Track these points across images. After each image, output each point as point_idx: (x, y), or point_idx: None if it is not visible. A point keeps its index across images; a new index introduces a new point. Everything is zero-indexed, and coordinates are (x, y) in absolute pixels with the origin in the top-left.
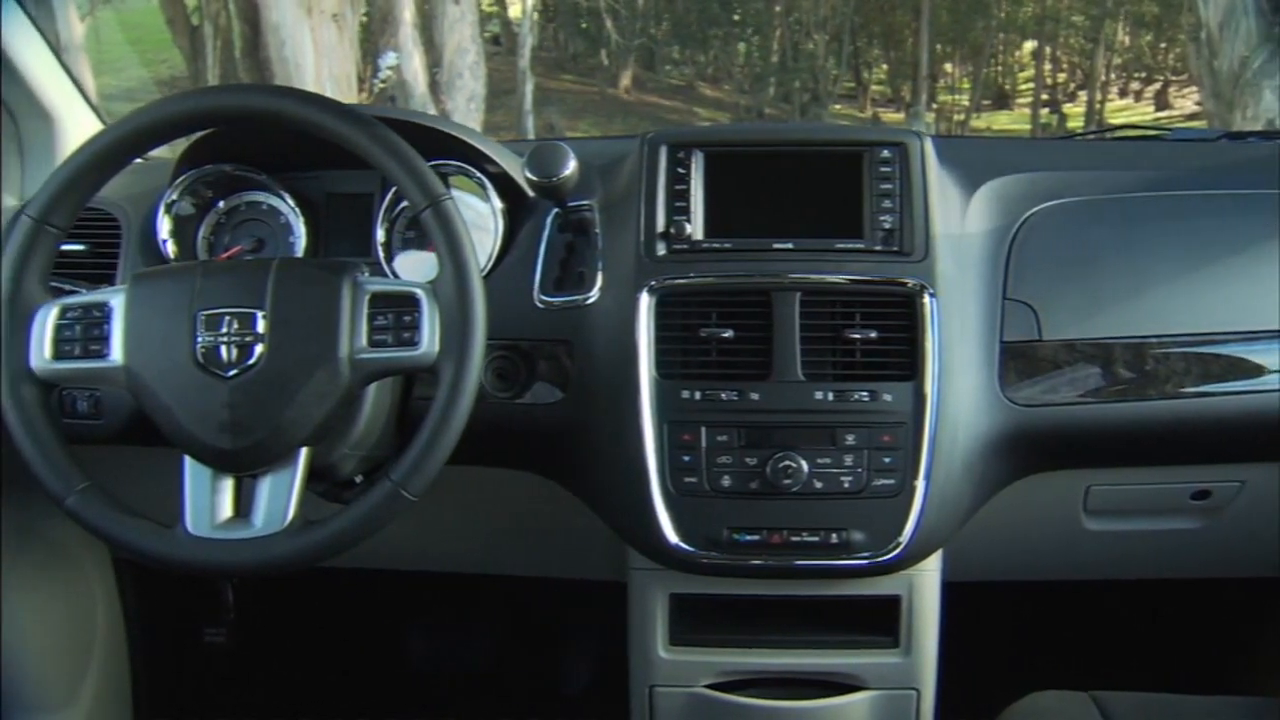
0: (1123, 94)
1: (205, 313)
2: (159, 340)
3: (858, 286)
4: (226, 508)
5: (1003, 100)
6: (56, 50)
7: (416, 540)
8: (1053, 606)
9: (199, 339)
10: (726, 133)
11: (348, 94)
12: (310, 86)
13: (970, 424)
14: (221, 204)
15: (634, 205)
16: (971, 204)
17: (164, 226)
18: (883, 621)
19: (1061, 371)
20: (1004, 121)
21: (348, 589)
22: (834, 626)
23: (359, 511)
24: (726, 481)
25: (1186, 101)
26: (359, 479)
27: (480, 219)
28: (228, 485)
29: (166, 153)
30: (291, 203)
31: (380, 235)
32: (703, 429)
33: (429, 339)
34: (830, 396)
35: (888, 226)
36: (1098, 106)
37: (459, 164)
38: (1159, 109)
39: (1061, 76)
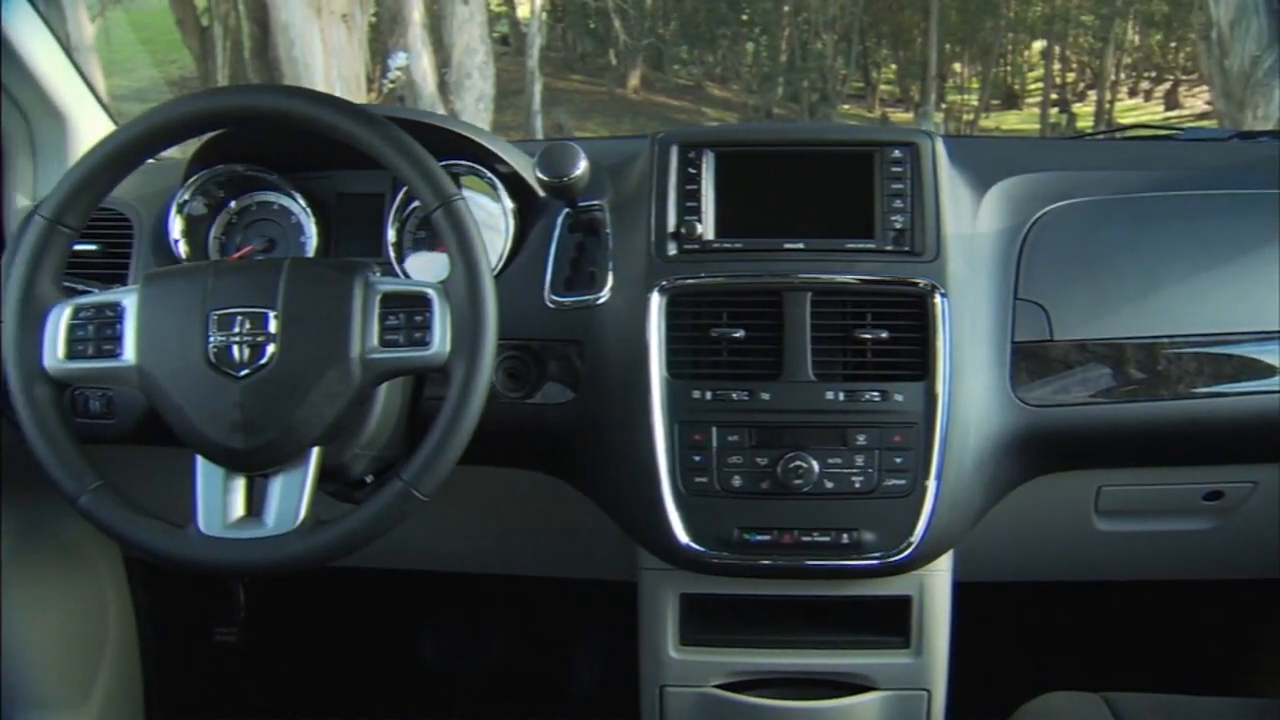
0: (1132, 93)
1: (217, 312)
2: (171, 340)
3: (869, 286)
4: (238, 507)
5: (1012, 100)
6: (68, 51)
7: (427, 540)
8: (1064, 607)
9: (211, 339)
10: (737, 133)
11: (357, 94)
12: (319, 87)
13: (981, 424)
14: (233, 204)
15: (645, 205)
16: (983, 204)
17: (176, 226)
18: (894, 622)
19: (1073, 372)
20: (1013, 121)
21: (358, 588)
22: (845, 627)
23: (370, 511)
24: (737, 481)
25: (1197, 101)
26: (370, 479)
27: (491, 219)
28: (239, 485)
29: (177, 153)
30: (303, 203)
31: (391, 235)
32: (713, 429)
33: (440, 339)
34: (841, 396)
35: (899, 226)
36: (1107, 106)
37: (470, 164)
38: (1169, 108)
39: (1071, 76)
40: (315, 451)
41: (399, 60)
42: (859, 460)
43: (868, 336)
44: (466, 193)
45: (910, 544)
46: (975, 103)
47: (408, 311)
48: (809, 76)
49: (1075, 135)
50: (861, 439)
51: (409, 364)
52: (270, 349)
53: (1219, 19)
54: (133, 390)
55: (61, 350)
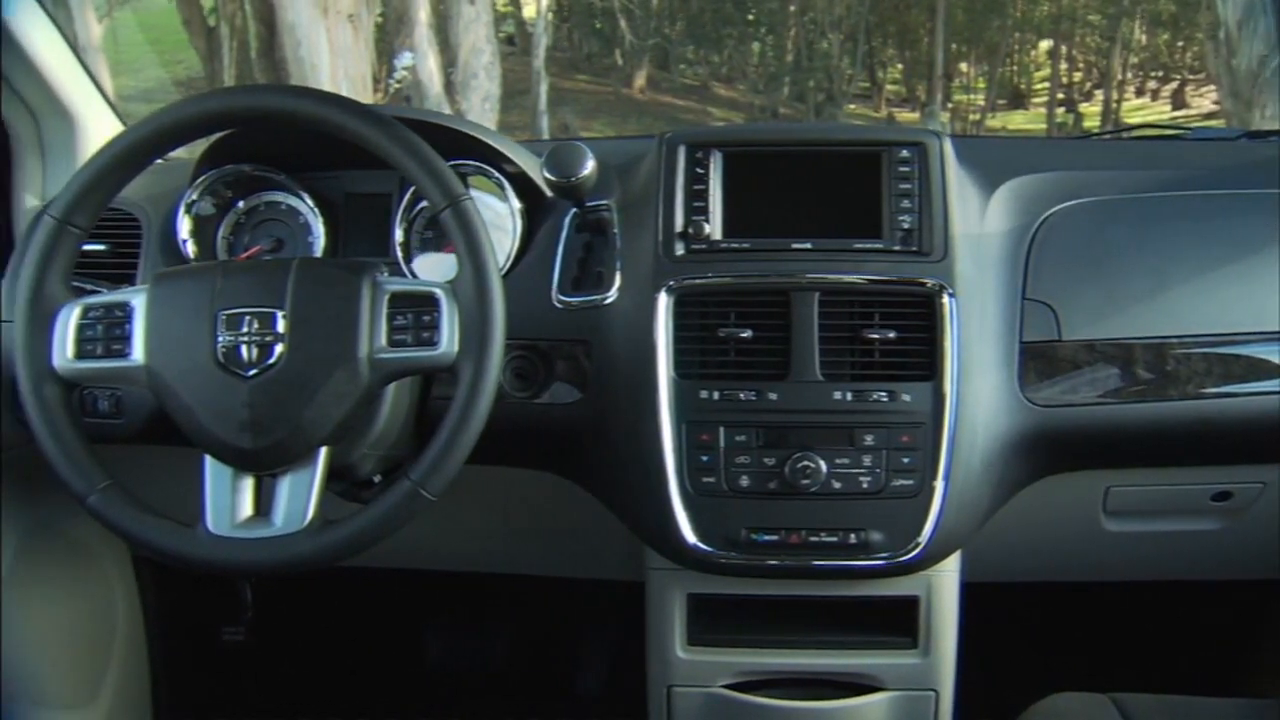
0: (1139, 93)
1: (226, 312)
2: (180, 340)
3: (876, 286)
4: (247, 507)
5: (1018, 100)
6: (76, 51)
7: (434, 540)
8: (1072, 608)
9: (219, 339)
10: (745, 132)
11: (363, 94)
12: (326, 87)
13: (989, 424)
14: (241, 204)
15: (652, 205)
16: (990, 204)
17: (184, 226)
18: (901, 622)
19: (1081, 372)
20: (1019, 121)
21: (366, 588)
22: (852, 627)
23: (378, 511)
24: (745, 481)
25: (1204, 100)
26: (377, 478)
27: (498, 219)
28: (248, 484)
29: (184, 153)
30: (310, 203)
31: (399, 235)
32: (721, 429)
33: (448, 339)
34: (849, 396)
35: (907, 226)
36: (1114, 106)
37: (477, 164)
38: (1176, 108)
39: (1078, 75)
40: (323, 451)
41: (405, 60)
42: (867, 460)
43: (875, 336)
44: (474, 192)
45: (918, 544)
46: (981, 102)
47: (416, 311)
48: (815, 76)
49: (1083, 135)
50: (869, 439)
51: (417, 364)
52: (278, 349)
53: (1227, 18)
54: (141, 390)
55: (70, 350)
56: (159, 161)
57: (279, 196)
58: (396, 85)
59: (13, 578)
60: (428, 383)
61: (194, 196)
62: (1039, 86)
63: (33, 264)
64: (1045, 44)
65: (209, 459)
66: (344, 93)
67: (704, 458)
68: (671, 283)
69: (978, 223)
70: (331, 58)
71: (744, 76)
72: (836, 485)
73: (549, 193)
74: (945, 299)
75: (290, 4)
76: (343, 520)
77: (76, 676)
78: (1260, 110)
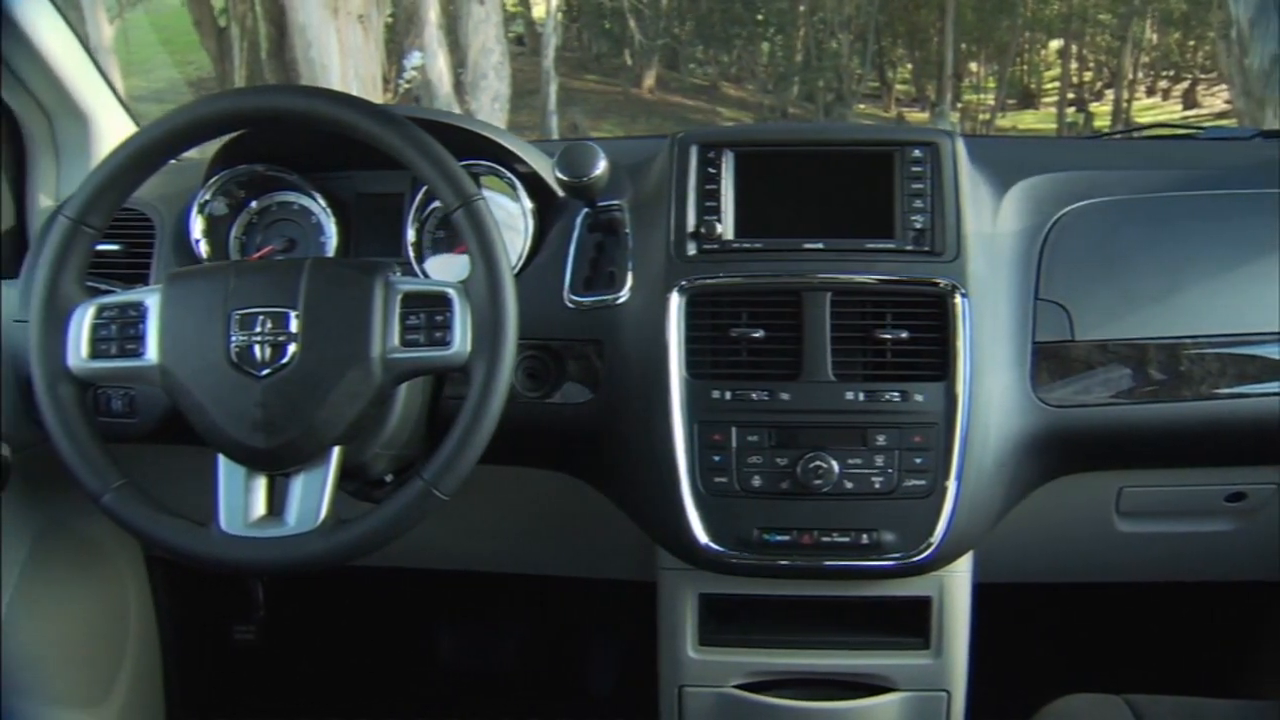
0: (1150, 92)
1: (239, 312)
2: (193, 339)
3: (889, 286)
4: (260, 506)
5: (1028, 99)
6: (89, 52)
7: (446, 539)
8: (1085, 608)
9: (233, 338)
10: (757, 132)
11: (373, 94)
12: (336, 87)
13: (1002, 424)
14: (254, 204)
15: (664, 205)
16: (1003, 204)
17: (197, 226)
18: (913, 622)
19: (1094, 372)
20: (1029, 121)
21: (377, 588)
22: (864, 627)
23: (391, 511)
24: (757, 481)
25: (1216, 100)
26: (389, 478)
27: (510, 219)
28: (261, 484)
29: (196, 154)
30: (323, 203)
31: (411, 235)
32: (733, 429)
33: (461, 339)
34: (861, 397)
35: (919, 226)
36: (1125, 105)
37: (489, 164)
38: (1187, 107)
39: (1088, 75)
40: (336, 451)
41: (415, 60)
42: (879, 460)
43: (888, 336)
44: (486, 192)
45: (930, 545)
46: (991, 102)
47: (428, 311)
48: (824, 76)
49: (1096, 135)
50: (881, 439)
51: (429, 364)
52: (291, 348)
53: (1239, 17)
54: (155, 389)
55: (85, 350)
56: (172, 162)
57: (291, 196)
58: (406, 85)
59: (26, 576)
60: (440, 383)
61: (207, 196)
62: (1049, 86)
63: (47, 264)
64: (1055, 43)
65: (222, 458)
66: (354, 93)
67: (716, 458)
68: (683, 282)
69: (990, 223)
70: (341, 58)
71: (753, 76)
72: (849, 485)
73: (561, 193)
74: (958, 299)
75: (301, 5)
76: (355, 520)
77: (89, 675)
78: (1273, 109)
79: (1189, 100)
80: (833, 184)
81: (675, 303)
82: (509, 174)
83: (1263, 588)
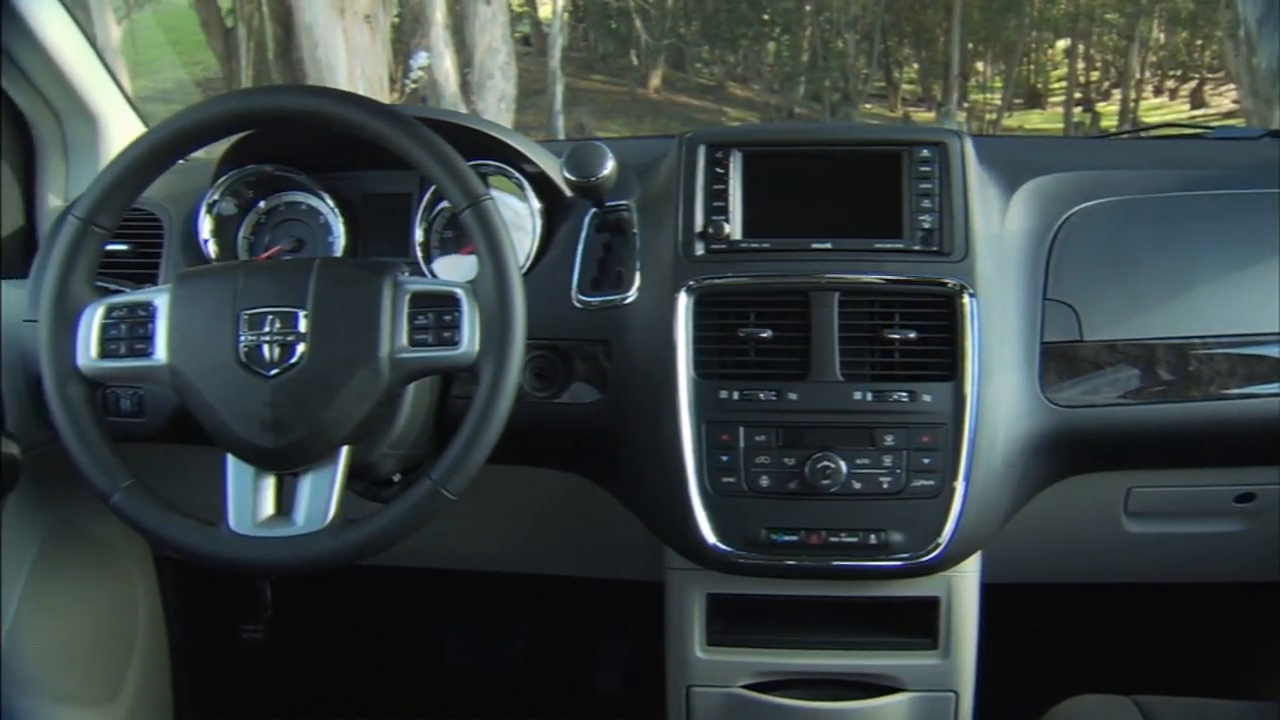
0: (1157, 92)
1: (248, 312)
2: (202, 339)
3: (897, 286)
4: (268, 506)
5: (1035, 99)
6: (99, 53)
7: (454, 539)
8: (1093, 609)
9: (242, 338)
10: (765, 132)
11: (380, 94)
12: (343, 87)
13: (1010, 425)
14: (262, 204)
15: (672, 205)
16: (1011, 204)
17: (205, 226)
18: (921, 623)
19: (1103, 372)
20: (1036, 121)
21: (385, 587)
22: (872, 628)
23: (399, 510)
24: (765, 482)
25: (1223, 100)
26: (397, 478)
27: (518, 219)
28: (269, 484)
29: (205, 154)
30: (331, 203)
31: (419, 235)
32: (741, 429)
33: (469, 338)
34: (869, 397)
35: (927, 226)
36: (1132, 105)
37: (497, 164)
38: (1195, 107)
39: (1095, 75)
40: (344, 450)
41: (421, 60)
42: (887, 461)
43: (896, 337)
44: (494, 192)
45: (938, 545)
46: (998, 102)
47: (436, 311)
48: (831, 76)
49: (1104, 134)
50: (889, 439)
51: (438, 363)
52: (300, 348)
53: (1246, 16)
54: (164, 389)
55: (94, 349)
56: (180, 162)
57: (299, 196)
58: (413, 85)
59: (35, 575)
60: (448, 382)
61: (215, 197)
62: (1056, 86)
63: (57, 264)
64: (1062, 43)
65: (231, 458)
66: (361, 93)
67: (724, 458)
68: (691, 282)
69: (998, 222)
70: (348, 58)
71: (759, 76)
72: (857, 485)
73: (569, 193)
74: (966, 299)
75: (307, 5)
76: (364, 519)
77: (98, 673)
78: None
79: (1196, 100)
80: (841, 184)
81: (683, 303)
82: (517, 174)
83: (1271, 588)
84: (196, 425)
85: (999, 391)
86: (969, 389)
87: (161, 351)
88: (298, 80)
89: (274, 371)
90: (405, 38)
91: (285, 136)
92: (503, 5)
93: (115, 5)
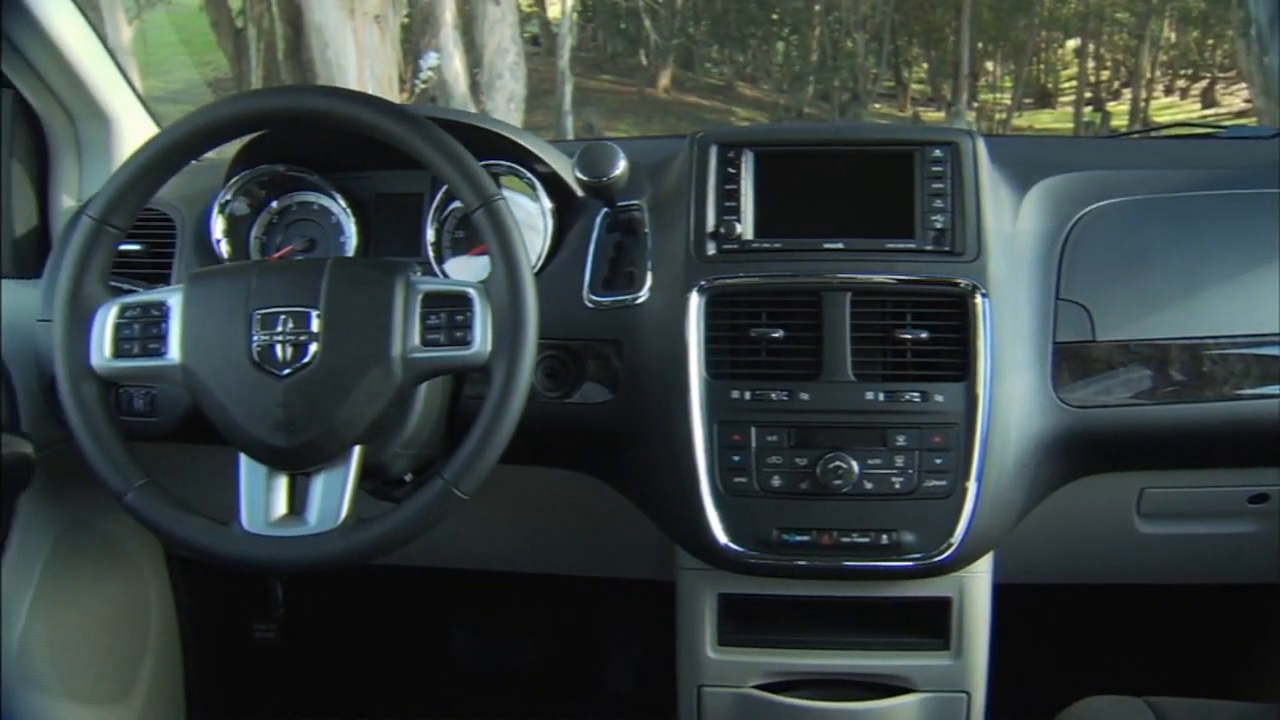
0: (1168, 91)
1: (261, 312)
2: (215, 339)
3: (909, 287)
4: (281, 505)
5: (1045, 99)
6: (112, 54)
7: (465, 539)
8: (1106, 610)
9: (254, 338)
10: (777, 132)
11: (389, 95)
12: (352, 87)
13: (1023, 425)
14: (274, 204)
15: (684, 205)
16: (1024, 204)
17: (218, 226)
18: (933, 623)
19: (1115, 372)
20: (1046, 120)
21: (396, 586)
22: (884, 628)
23: (412, 510)
24: (776, 482)
25: (1235, 99)
26: (408, 478)
27: (530, 219)
28: (282, 483)
29: (217, 154)
30: (343, 203)
31: (430, 235)
32: (752, 429)
33: (481, 338)
34: (881, 397)
35: (939, 226)
36: (1143, 104)
37: (509, 164)
38: (1206, 106)
39: (1105, 74)
40: (357, 450)
41: (431, 61)
42: (899, 461)
43: (908, 337)
44: (506, 192)
45: (950, 545)
46: (1008, 101)
47: (449, 311)
48: (840, 76)
49: (1115, 134)
50: (901, 439)
51: (450, 363)
52: (313, 348)
53: (1258, 15)
54: (177, 388)
55: (108, 349)
56: (192, 162)
57: (311, 197)
58: (422, 85)
59: (49, 574)
60: (459, 382)
61: (228, 197)
62: (1066, 85)
63: (71, 264)
64: (1072, 42)
65: (243, 457)
66: (369, 93)
67: (735, 458)
68: (703, 282)
69: (1010, 222)
70: (358, 58)
71: (768, 76)
72: (868, 486)
73: (580, 193)
74: (978, 299)
75: (317, 5)
76: (376, 519)
77: (110, 672)
78: None
79: (1208, 99)
80: (853, 184)
81: (695, 303)
82: (528, 174)
83: None
84: (209, 425)
85: (1011, 392)
86: (981, 389)
87: (175, 351)
88: (307, 80)
89: (287, 371)
90: (415, 38)
91: (297, 137)
92: (512, 5)
93: (126, 6)
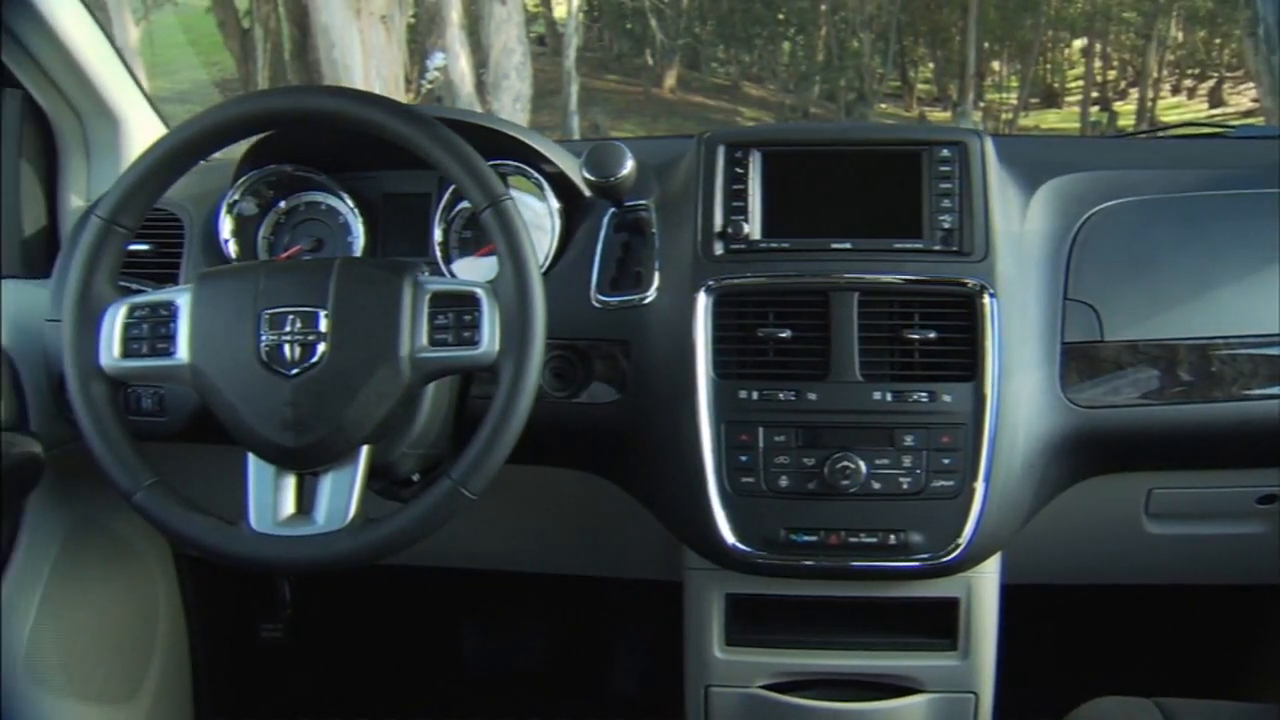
0: (1175, 91)
1: (269, 312)
2: (224, 339)
3: (916, 287)
4: (289, 505)
5: (1051, 98)
6: (122, 54)
7: (473, 538)
8: (1115, 610)
9: (263, 338)
10: (784, 132)
11: (396, 95)
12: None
13: (1031, 425)
14: (282, 204)
15: (691, 205)
16: (1032, 203)
17: (226, 226)
18: (941, 624)
19: (1124, 372)
20: (1052, 120)
21: (403, 586)
22: (891, 628)
23: (420, 510)
24: (784, 482)
25: (1242, 99)
26: (416, 477)
27: (537, 219)
28: (290, 483)
29: (224, 154)
30: (350, 203)
31: (438, 235)
32: (760, 429)
33: (489, 338)
34: (889, 397)
35: (947, 226)
36: (1150, 104)
37: (517, 164)
38: (1213, 106)
39: (1112, 74)
40: (365, 450)
41: (437, 61)
42: (906, 461)
43: (915, 337)
44: (513, 192)
45: (958, 545)
46: (1014, 101)
47: (457, 311)
48: (846, 75)
49: (1125, 134)
50: (909, 440)
51: (458, 363)
52: (321, 348)
53: (1266, 14)
54: (186, 388)
55: (117, 349)
56: (200, 162)
57: (319, 197)
58: (429, 86)
59: (57, 573)
60: (467, 382)
61: (236, 197)
62: (1072, 85)
63: (80, 264)
64: (1079, 42)
65: (252, 457)
66: (377, 93)
67: (743, 458)
68: (710, 282)
69: (1019, 222)
70: (364, 59)
71: (774, 76)
72: (876, 486)
73: (588, 192)
74: (986, 299)
75: (324, 6)
76: (384, 519)
77: (118, 671)
78: None
79: (1215, 99)
80: (860, 184)
81: (702, 303)
82: (536, 174)
83: None
84: (217, 424)
85: (1019, 392)
86: (989, 389)
87: (183, 351)
88: (314, 81)
89: (295, 371)
90: (421, 38)
91: (305, 137)
92: (518, 5)
93: (133, 6)
